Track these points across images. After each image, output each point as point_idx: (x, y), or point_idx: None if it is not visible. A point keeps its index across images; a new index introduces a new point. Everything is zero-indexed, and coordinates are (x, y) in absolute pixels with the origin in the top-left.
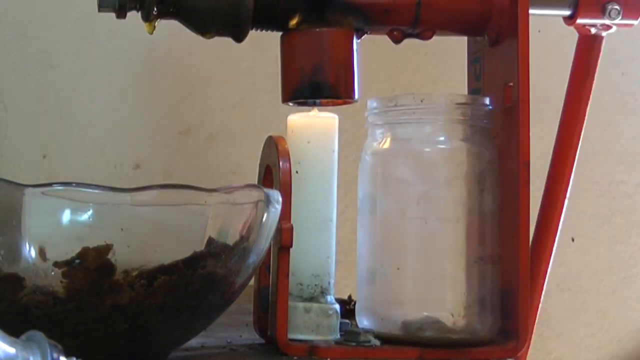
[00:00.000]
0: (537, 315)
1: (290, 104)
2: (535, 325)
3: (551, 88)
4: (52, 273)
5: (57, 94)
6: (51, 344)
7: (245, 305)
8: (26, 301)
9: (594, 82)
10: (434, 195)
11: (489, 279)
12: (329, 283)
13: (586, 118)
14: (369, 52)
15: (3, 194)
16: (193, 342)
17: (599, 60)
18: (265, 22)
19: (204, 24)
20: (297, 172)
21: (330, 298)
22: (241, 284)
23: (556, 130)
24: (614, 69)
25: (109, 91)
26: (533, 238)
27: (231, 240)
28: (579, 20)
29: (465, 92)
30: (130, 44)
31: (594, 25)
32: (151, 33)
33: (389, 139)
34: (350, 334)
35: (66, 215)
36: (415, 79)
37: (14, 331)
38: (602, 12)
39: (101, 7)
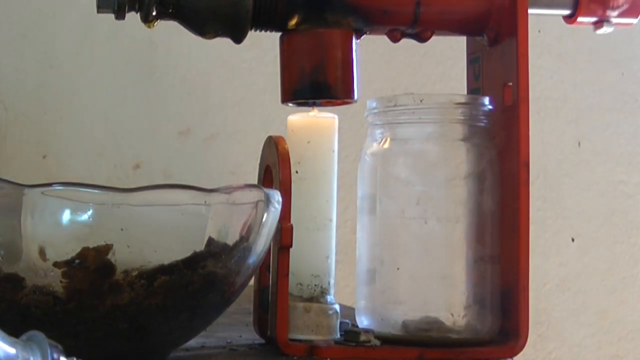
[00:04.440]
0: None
1: (290, 104)
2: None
3: (551, 88)
4: (52, 273)
5: (57, 94)
6: (51, 344)
7: (245, 305)
8: (26, 301)
9: (595, 82)
10: (434, 195)
11: (489, 279)
12: (329, 283)
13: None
14: (368, 52)
15: (3, 194)
16: (193, 342)
17: (599, 60)
18: (265, 22)
19: (203, 25)
20: (297, 172)
21: (330, 298)
22: (241, 284)
23: (556, 130)
24: (614, 69)
25: (109, 91)
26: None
27: (231, 240)
28: (580, 19)
29: (465, 92)
30: (130, 44)
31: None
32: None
33: (388, 139)
34: (350, 334)
35: (66, 215)
36: (415, 79)
37: (14, 331)
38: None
39: (100, 8)
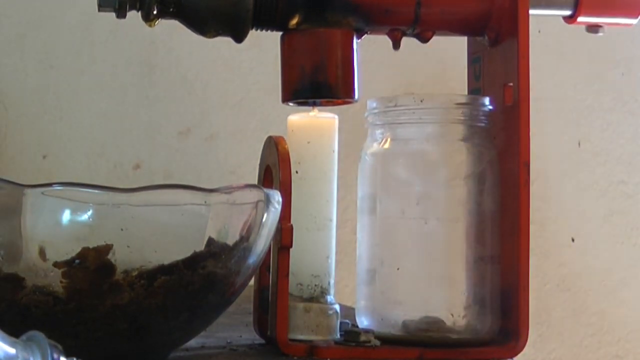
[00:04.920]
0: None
1: (290, 104)
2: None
3: (551, 88)
4: (52, 273)
5: (57, 94)
6: (51, 344)
7: (245, 305)
8: (26, 301)
9: (595, 82)
10: (434, 195)
11: (489, 279)
12: (329, 283)
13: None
14: (369, 52)
15: (3, 194)
16: (193, 342)
17: (599, 60)
18: (265, 22)
19: (204, 24)
20: (297, 172)
21: (330, 298)
22: (241, 284)
23: (556, 130)
24: (614, 69)
25: (109, 91)
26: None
27: (231, 240)
28: (580, 19)
29: (465, 92)
30: (130, 44)
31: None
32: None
33: (388, 139)
34: (350, 334)
35: (66, 215)
36: (415, 79)
37: (14, 331)
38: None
39: (101, 6)
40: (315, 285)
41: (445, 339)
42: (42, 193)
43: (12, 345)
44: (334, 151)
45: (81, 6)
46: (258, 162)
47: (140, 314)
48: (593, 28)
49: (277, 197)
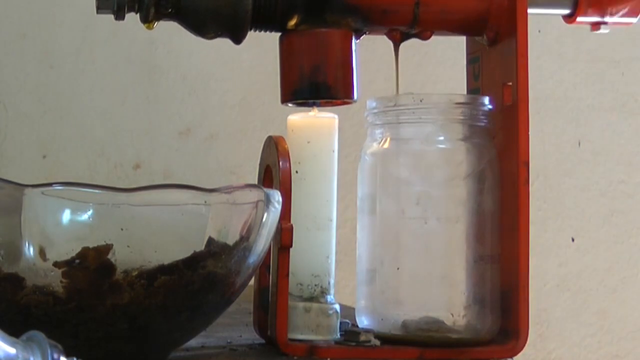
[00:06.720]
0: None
1: (290, 104)
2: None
3: (551, 88)
4: (52, 273)
5: (57, 94)
6: (51, 344)
7: (245, 305)
8: (26, 301)
9: (595, 82)
10: (434, 195)
11: (489, 279)
12: (329, 283)
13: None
14: (368, 52)
15: (3, 194)
16: (193, 342)
17: (599, 60)
18: (264, 22)
19: (203, 26)
20: (297, 172)
21: (330, 298)
22: (241, 284)
23: (556, 130)
24: (614, 69)
25: (109, 91)
26: None
27: (231, 240)
28: (579, 19)
29: (465, 92)
30: (130, 44)
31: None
32: (151, 29)
33: (388, 139)
34: (350, 334)
35: (66, 215)
36: (415, 79)
37: (14, 331)
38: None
39: (99, 9)
40: (315, 285)
41: (445, 339)
42: (42, 193)
43: (12, 345)
44: (334, 151)
45: (81, 6)
46: (258, 162)
47: (140, 314)
48: (597, 26)
49: (277, 197)
